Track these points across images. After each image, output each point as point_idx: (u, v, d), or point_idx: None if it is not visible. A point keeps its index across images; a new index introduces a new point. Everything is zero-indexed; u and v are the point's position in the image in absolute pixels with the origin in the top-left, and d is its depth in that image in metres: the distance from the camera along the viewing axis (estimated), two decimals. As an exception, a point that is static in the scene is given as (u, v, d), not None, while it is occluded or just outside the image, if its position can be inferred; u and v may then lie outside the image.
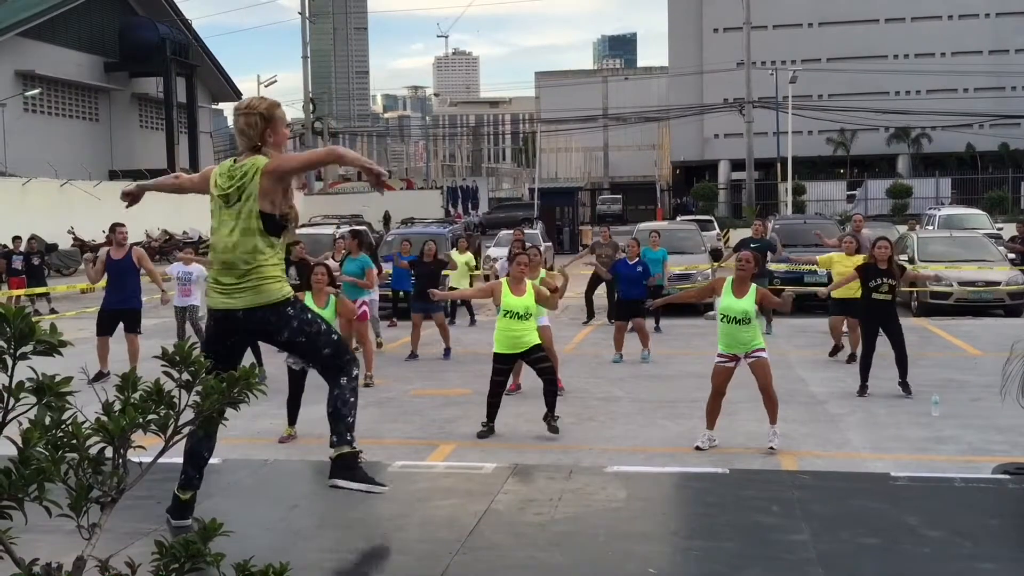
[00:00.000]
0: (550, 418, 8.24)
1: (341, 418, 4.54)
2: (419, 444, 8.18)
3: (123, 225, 11.44)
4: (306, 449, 7.76)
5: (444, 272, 14.44)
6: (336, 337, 4.63)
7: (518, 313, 8.25)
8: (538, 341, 8.43)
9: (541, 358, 8.32)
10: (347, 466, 4.54)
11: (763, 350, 7.69)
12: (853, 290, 11.96)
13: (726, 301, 7.67)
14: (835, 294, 12.17)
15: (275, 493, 5.69)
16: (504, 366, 8.34)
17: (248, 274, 4.36)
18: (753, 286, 7.76)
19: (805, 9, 68.97)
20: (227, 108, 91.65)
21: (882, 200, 52.52)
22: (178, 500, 4.56)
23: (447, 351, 12.80)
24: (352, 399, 4.57)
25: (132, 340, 11.13)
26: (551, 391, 8.28)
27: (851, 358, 11.78)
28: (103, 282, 11.51)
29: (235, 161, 4.48)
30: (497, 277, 13.21)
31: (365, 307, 11.87)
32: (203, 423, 2.36)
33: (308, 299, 8.40)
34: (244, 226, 4.34)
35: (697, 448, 7.69)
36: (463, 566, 4.23)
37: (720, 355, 7.74)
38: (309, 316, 4.56)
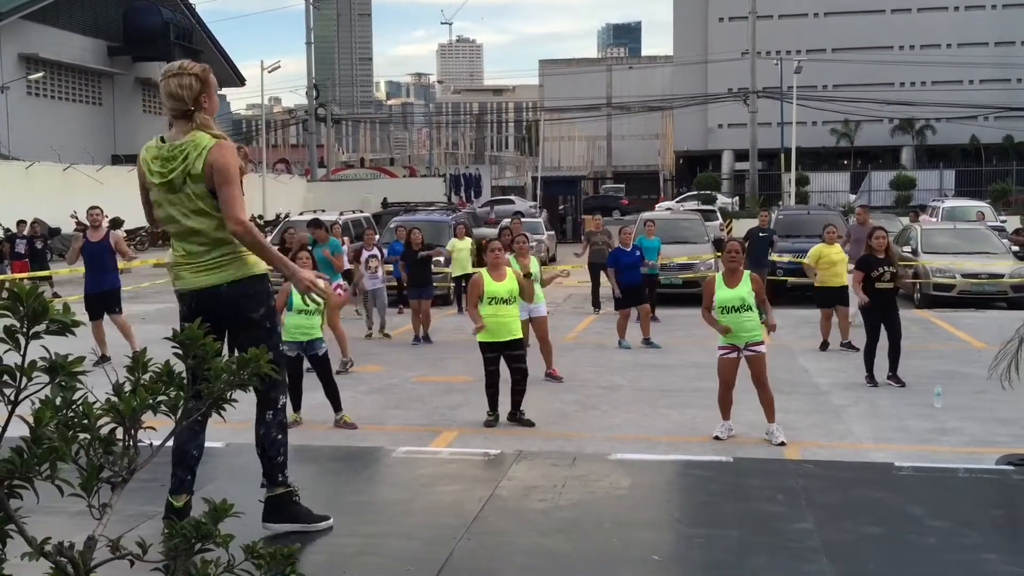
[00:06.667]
0: (518, 415, 8.28)
1: (270, 460, 4.29)
2: (422, 431, 8.19)
3: (97, 207, 11.51)
4: (310, 434, 7.76)
5: (444, 270, 14.36)
6: (281, 350, 4.30)
7: (502, 298, 8.23)
8: (520, 335, 8.41)
9: (518, 357, 8.28)
10: (278, 507, 4.32)
11: (761, 344, 7.69)
12: (838, 278, 12.06)
13: (720, 294, 7.69)
14: (818, 283, 12.25)
15: (279, 477, 5.69)
16: (494, 354, 8.30)
17: (223, 246, 4.09)
18: (746, 273, 7.82)
19: (811, -1, 68.74)
20: (231, 94, 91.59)
21: (885, 191, 52.45)
22: (172, 507, 4.18)
23: (425, 336, 12.90)
24: (279, 436, 4.30)
25: (117, 319, 11.22)
26: (518, 390, 8.31)
27: (847, 345, 11.86)
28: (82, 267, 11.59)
29: (162, 140, 4.12)
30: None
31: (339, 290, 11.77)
32: (211, 406, 2.35)
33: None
34: (197, 207, 4.05)
35: (716, 438, 7.70)
36: (468, 551, 4.23)
37: (721, 347, 7.74)
38: (274, 305, 4.37)
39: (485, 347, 8.26)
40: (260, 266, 4.20)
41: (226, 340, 4.20)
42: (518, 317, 8.41)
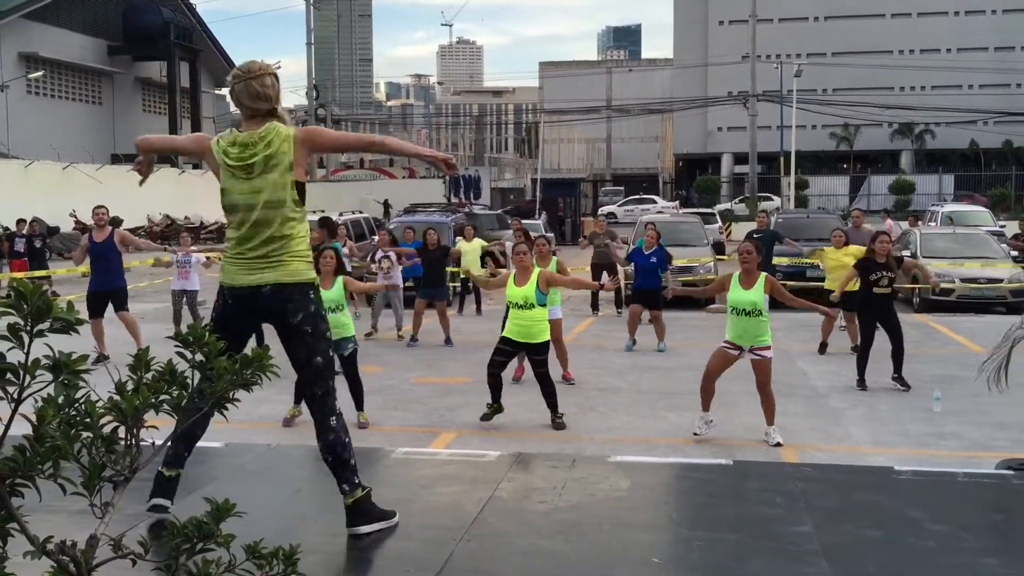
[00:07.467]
0: (554, 418, 8.28)
1: (344, 464, 4.29)
2: (421, 432, 8.18)
3: (102, 207, 11.49)
4: (308, 434, 7.69)
5: (454, 269, 14.28)
6: (332, 356, 4.37)
7: (518, 303, 8.26)
8: (547, 339, 8.39)
9: (541, 362, 8.28)
10: (364, 511, 4.35)
11: (768, 348, 7.66)
12: (848, 284, 12.02)
13: (734, 294, 7.66)
14: (827, 287, 12.20)
15: (278, 477, 5.70)
16: (507, 347, 8.33)
17: (279, 248, 4.15)
18: (762, 276, 7.74)
19: (811, 3, 68.86)
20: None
21: (885, 196, 52.52)
22: (162, 476, 4.30)
23: (448, 340, 12.83)
24: (347, 439, 4.33)
25: (124, 317, 11.27)
26: (548, 392, 8.30)
27: (854, 349, 11.82)
28: (86, 267, 11.61)
29: (236, 130, 4.26)
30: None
31: None
32: (214, 405, 2.35)
33: None
34: (273, 197, 4.11)
35: (695, 435, 7.68)
36: (467, 553, 4.23)
37: (726, 342, 7.74)
38: (324, 313, 4.34)
39: (502, 339, 8.37)
40: (308, 274, 4.27)
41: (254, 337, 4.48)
42: (541, 321, 8.33)
